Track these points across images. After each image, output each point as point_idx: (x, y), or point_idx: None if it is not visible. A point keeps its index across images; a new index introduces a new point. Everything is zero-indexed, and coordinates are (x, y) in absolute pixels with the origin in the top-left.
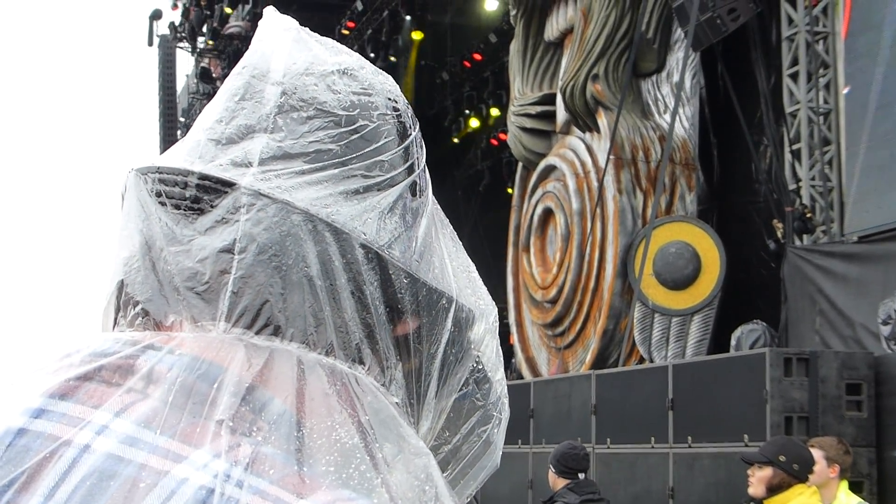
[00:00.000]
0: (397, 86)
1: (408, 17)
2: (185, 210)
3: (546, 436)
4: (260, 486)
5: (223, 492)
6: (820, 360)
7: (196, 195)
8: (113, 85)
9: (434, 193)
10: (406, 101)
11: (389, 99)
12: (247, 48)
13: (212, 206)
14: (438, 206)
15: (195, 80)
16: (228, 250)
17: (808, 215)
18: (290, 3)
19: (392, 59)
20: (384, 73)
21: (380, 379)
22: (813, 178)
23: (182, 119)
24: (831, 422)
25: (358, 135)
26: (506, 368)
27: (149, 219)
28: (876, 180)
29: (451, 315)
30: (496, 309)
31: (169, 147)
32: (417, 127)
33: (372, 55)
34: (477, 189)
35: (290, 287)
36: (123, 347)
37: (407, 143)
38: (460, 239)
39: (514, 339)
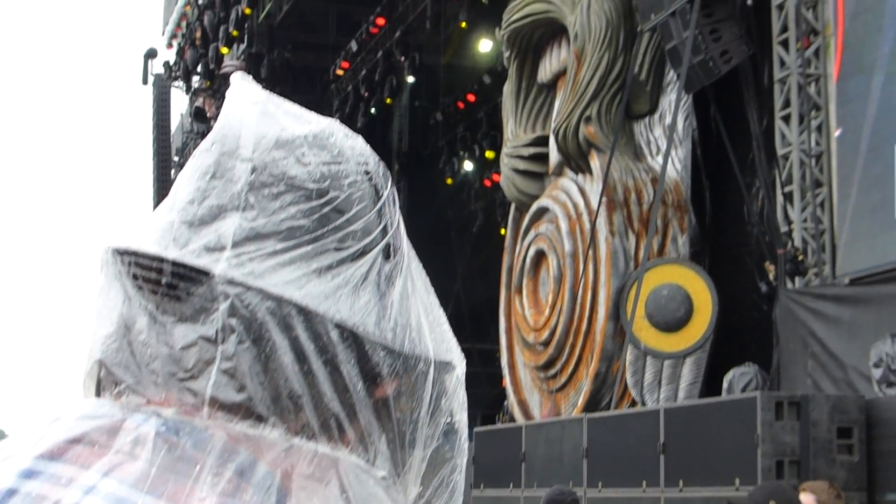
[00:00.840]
0: (368, 146)
1: (402, 58)
2: (162, 296)
3: (538, 479)
4: None
5: None
6: (811, 404)
7: (171, 282)
8: (108, 123)
9: (427, 234)
10: (378, 159)
11: (360, 163)
12: None
13: (188, 294)
14: (413, 254)
15: (189, 119)
16: (211, 340)
17: (800, 258)
18: (286, 43)
19: (387, 100)
20: (354, 134)
21: (364, 456)
22: (805, 221)
23: (176, 158)
24: (822, 466)
25: (330, 206)
26: (498, 411)
27: (128, 300)
28: (868, 223)
29: (429, 378)
30: (464, 361)
31: (163, 185)
32: (390, 183)
33: (366, 95)
34: (470, 230)
35: (269, 375)
36: (111, 411)
37: (380, 204)
38: (453, 280)
39: (507, 381)
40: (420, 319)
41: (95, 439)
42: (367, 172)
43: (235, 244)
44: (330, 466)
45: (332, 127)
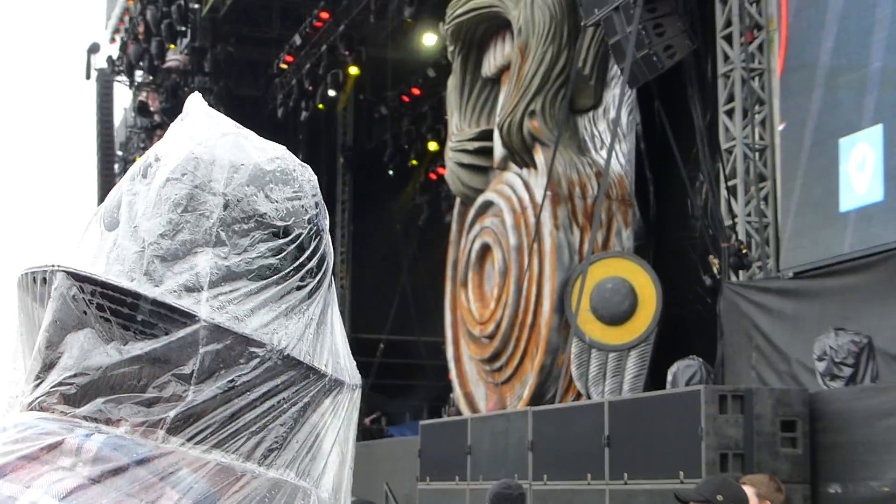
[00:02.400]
0: (315, 177)
1: (346, 52)
2: (134, 332)
3: (483, 472)
4: None
5: None
6: (755, 397)
7: (148, 321)
8: (51, 118)
9: (372, 228)
10: (318, 188)
11: (314, 195)
12: (184, 83)
13: (166, 334)
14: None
15: (133, 114)
16: (184, 378)
17: (744, 251)
18: (229, 37)
19: (330, 92)
20: (306, 165)
21: (308, 479)
22: (749, 214)
23: (120, 152)
24: (766, 459)
25: (294, 245)
26: (444, 403)
27: (88, 329)
28: (811, 217)
29: (353, 399)
30: (360, 380)
31: (107, 181)
32: (327, 215)
33: (310, 89)
34: (416, 223)
35: (238, 413)
36: (52, 426)
37: (326, 239)
38: (398, 273)
39: (452, 374)
40: (345, 343)
41: (37, 455)
42: (317, 205)
43: (212, 284)
44: (281, 492)
45: (291, 158)
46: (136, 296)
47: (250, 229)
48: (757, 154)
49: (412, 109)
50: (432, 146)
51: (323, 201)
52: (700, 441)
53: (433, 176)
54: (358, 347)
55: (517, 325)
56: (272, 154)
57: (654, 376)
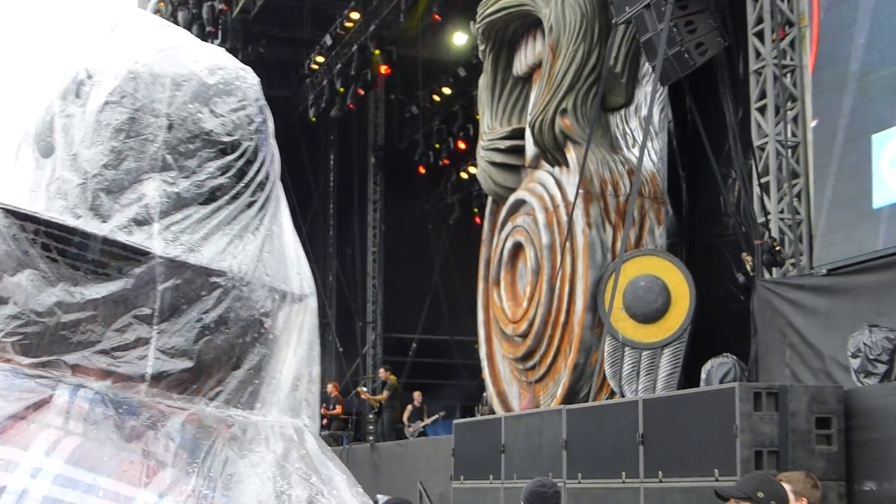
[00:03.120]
0: (258, 78)
1: (377, 52)
2: (84, 272)
3: (517, 471)
4: None
5: None
6: (789, 395)
7: (99, 259)
8: None
9: (404, 227)
10: (261, 90)
11: (257, 99)
12: None
13: (120, 272)
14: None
15: None
16: (146, 319)
17: (777, 248)
18: (259, 38)
19: (361, 92)
20: (247, 67)
21: (311, 415)
22: (781, 211)
23: None
24: (801, 456)
25: (243, 159)
26: (477, 402)
27: (30, 270)
28: (844, 213)
29: (314, 309)
30: (314, 287)
31: None
32: (270, 116)
33: (341, 89)
34: (447, 222)
35: (207, 350)
36: (29, 381)
37: (272, 144)
38: (431, 272)
39: (486, 373)
40: (298, 248)
41: (23, 414)
42: (261, 110)
43: (162, 214)
44: (266, 433)
45: (233, 65)
46: (85, 234)
47: (197, 149)
48: (789, 151)
49: (443, 109)
50: (463, 145)
51: (266, 103)
52: (735, 438)
53: (465, 175)
54: (390, 347)
55: (550, 324)
56: (212, 63)
57: (688, 374)
